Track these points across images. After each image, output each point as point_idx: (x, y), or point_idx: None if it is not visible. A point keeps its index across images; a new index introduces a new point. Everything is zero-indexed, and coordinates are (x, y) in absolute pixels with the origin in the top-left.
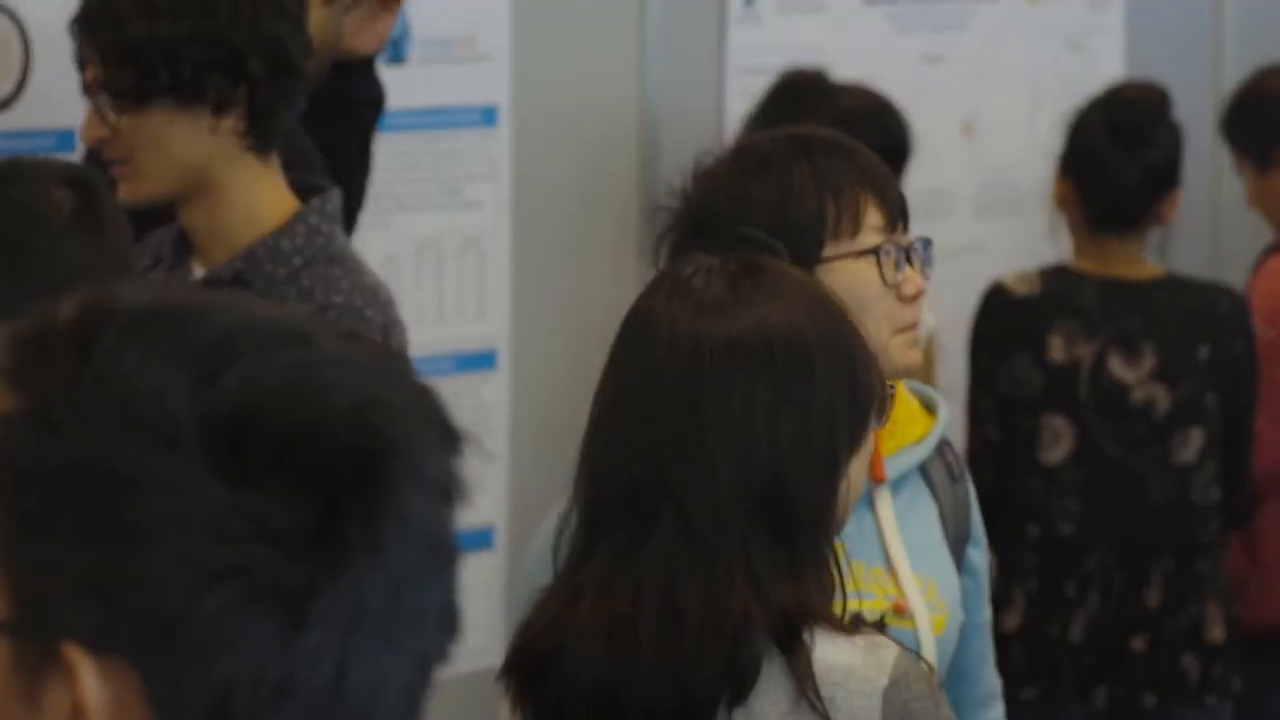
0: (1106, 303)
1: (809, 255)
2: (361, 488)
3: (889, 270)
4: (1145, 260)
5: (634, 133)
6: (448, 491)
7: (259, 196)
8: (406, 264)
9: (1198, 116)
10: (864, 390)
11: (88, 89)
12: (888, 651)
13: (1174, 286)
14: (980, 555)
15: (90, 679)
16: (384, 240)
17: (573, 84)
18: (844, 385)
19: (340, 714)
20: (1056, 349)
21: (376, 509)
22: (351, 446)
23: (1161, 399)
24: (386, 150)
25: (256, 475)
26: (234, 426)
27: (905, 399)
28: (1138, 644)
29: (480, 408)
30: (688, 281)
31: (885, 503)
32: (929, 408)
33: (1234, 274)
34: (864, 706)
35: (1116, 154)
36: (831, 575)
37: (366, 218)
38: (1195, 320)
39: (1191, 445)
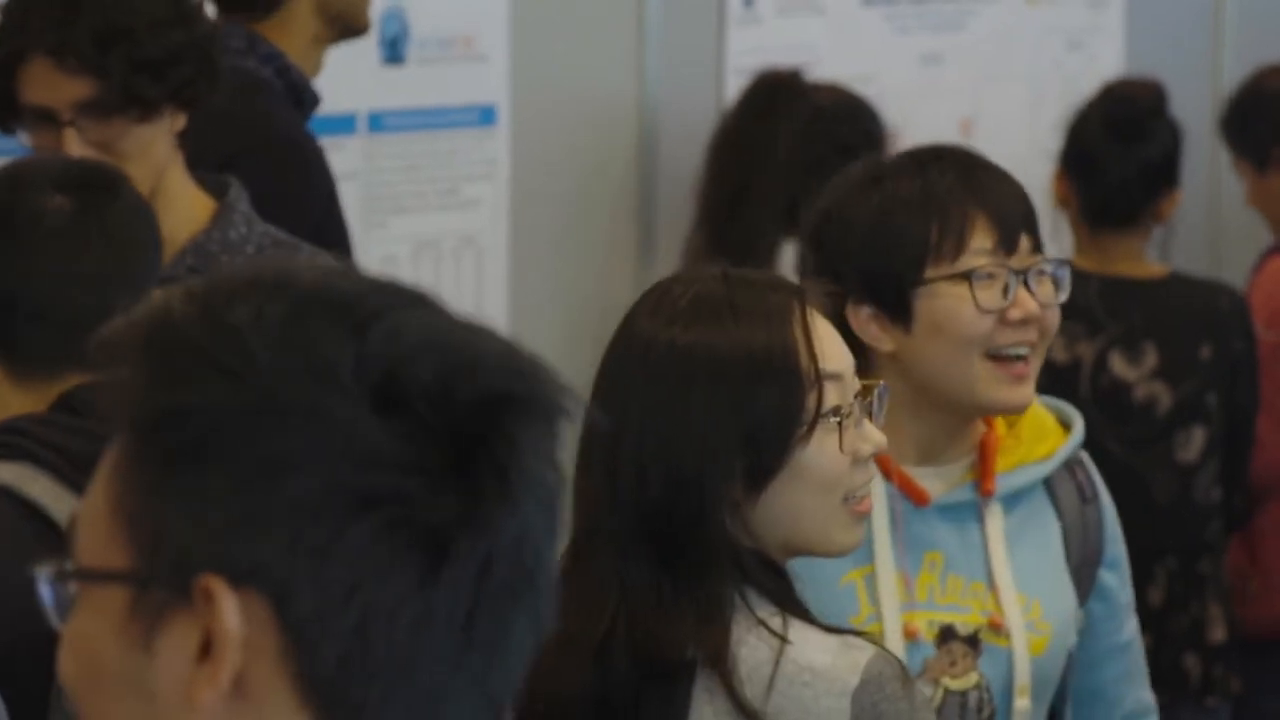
0: (1108, 301)
1: (910, 277)
2: (498, 436)
3: (982, 293)
4: (1146, 259)
5: (633, 133)
6: (559, 461)
7: (189, 194)
8: (404, 264)
9: (1197, 116)
10: (767, 420)
11: (50, 113)
12: (861, 652)
13: (1176, 285)
14: (1116, 577)
15: (230, 609)
16: (382, 240)
17: (571, 84)
18: (733, 413)
19: (466, 659)
20: (1058, 348)
21: (510, 460)
22: (495, 394)
23: (1163, 398)
24: (384, 150)
25: (406, 412)
26: (385, 369)
27: (1037, 415)
28: None
29: None
30: (668, 291)
31: (995, 518)
32: (1066, 425)
33: (1234, 274)
34: (832, 707)
35: (1113, 150)
36: (724, 614)
37: (364, 218)
38: (1197, 319)
39: (1193, 444)
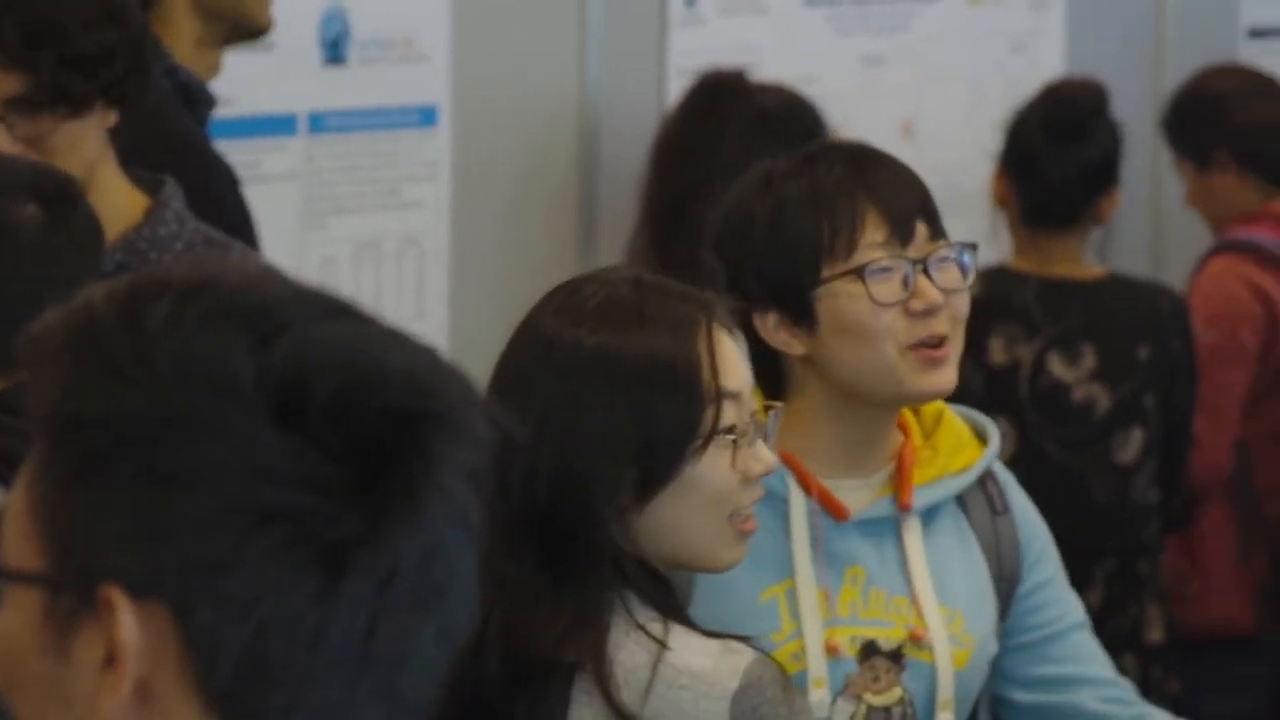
0: (1046, 303)
1: (807, 278)
2: (406, 452)
3: (878, 288)
4: (1085, 260)
5: (574, 134)
6: (477, 473)
7: (120, 190)
8: (345, 265)
9: (1139, 118)
10: (661, 432)
11: None
12: (741, 657)
13: (1114, 286)
14: (1045, 569)
15: (129, 621)
16: (322, 241)
17: (513, 84)
18: (631, 420)
19: (367, 671)
20: (997, 350)
21: (418, 475)
22: (401, 411)
23: (1102, 399)
24: (325, 151)
25: (307, 428)
26: (287, 384)
27: (954, 426)
28: None
29: None
30: (577, 290)
31: (913, 531)
32: (982, 437)
33: (1175, 275)
34: (711, 710)
35: (1052, 150)
36: (603, 617)
37: (305, 219)
38: (1135, 321)
39: (1132, 445)
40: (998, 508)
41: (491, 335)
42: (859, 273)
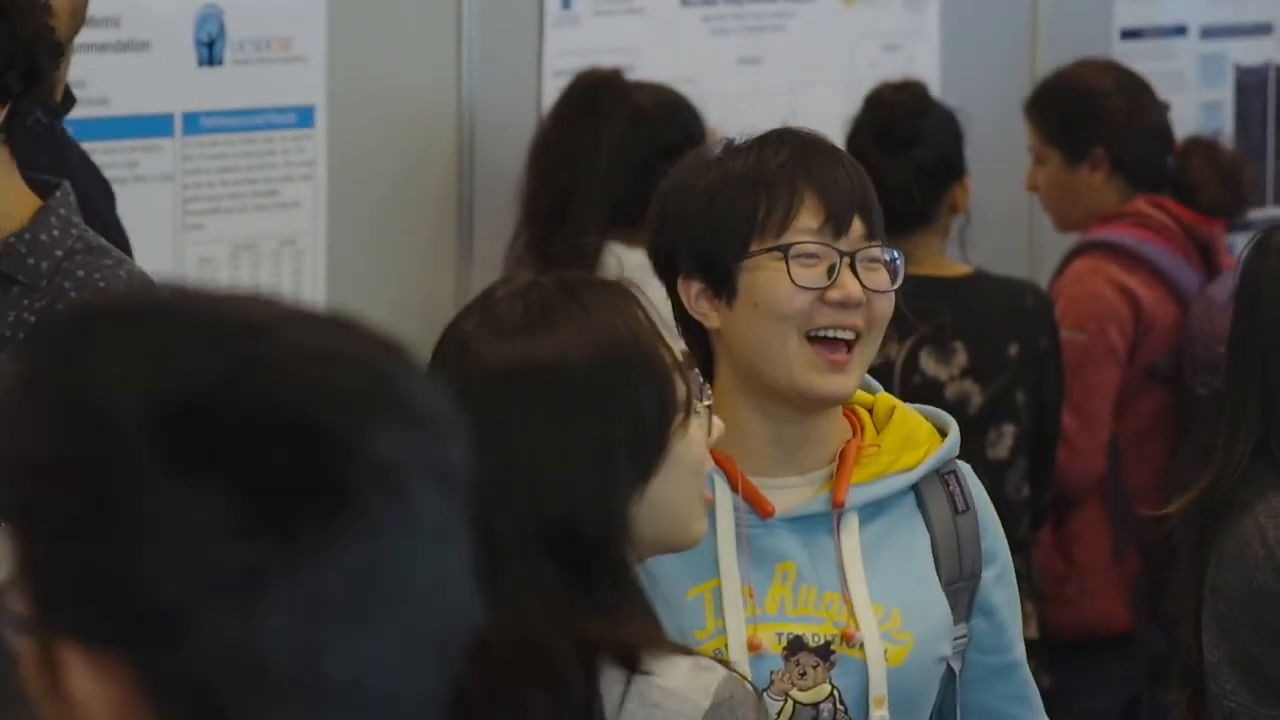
0: (916, 301)
1: (735, 250)
2: (309, 482)
3: (801, 271)
4: (947, 259)
5: (451, 134)
6: (432, 469)
7: (12, 193)
8: (222, 266)
9: (1014, 118)
10: (648, 414)
11: None
12: (713, 675)
13: (981, 284)
14: (1002, 594)
15: (81, 676)
16: (199, 241)
17: (390, 85)
18: (619, 414)
19: (322, 697)
20: None
21: (326, 501)
22: (293, 442)
23: (974, 396)
24: (201, 152)
25: (203, 467)
26: (178, 427)
27: (906, 424)
28: None
29: None
30: (495, 303)
31: (848, 528)
32: (944, 434)
33: (1051, 271)
34: None
35: (885, 159)
36: (646, 600)
37: (181, 219)
38: (1003, 317)
39: (1004, 442)
40: (959, 506)
41: None
42: (784, 250)
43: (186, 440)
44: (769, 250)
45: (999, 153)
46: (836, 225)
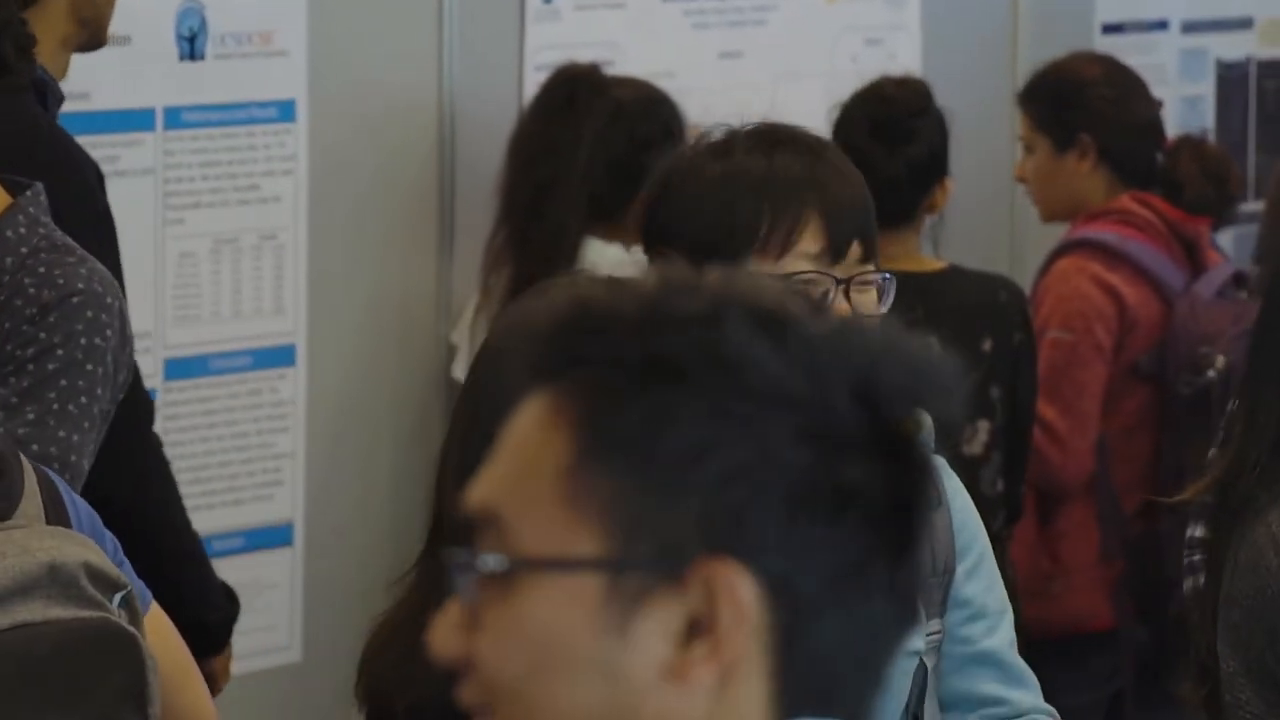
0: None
1: (731, 257)
2: (918, 463)
3: None
4: (922, 254)
5: (432, 128)
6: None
7: None
8: (203, 260)
9: (995, 114)
10: None
11: None
12: None
13: (954, 279)
14: (977, 584)
15: (748, 594)
16: (180, 236)
17: (371, 79)
18: None
19: (897, 628)
20: None
21: (925, 482)
22: (910, 427)
23: None
24: (182, 146)
25: (876, 413)
26: (866, 403)
27: None
28: None
29: (279, 404)
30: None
31: None
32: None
33: (1033, 266)
34: None
35: (879, 152)
36: None
37: (162, 214)
38: (976, 312)
39: (978, 438)
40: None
41: (350, 330)
42: (785, 279)
43: (819, 414)
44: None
45: (979, 147)
46: (835, 252)
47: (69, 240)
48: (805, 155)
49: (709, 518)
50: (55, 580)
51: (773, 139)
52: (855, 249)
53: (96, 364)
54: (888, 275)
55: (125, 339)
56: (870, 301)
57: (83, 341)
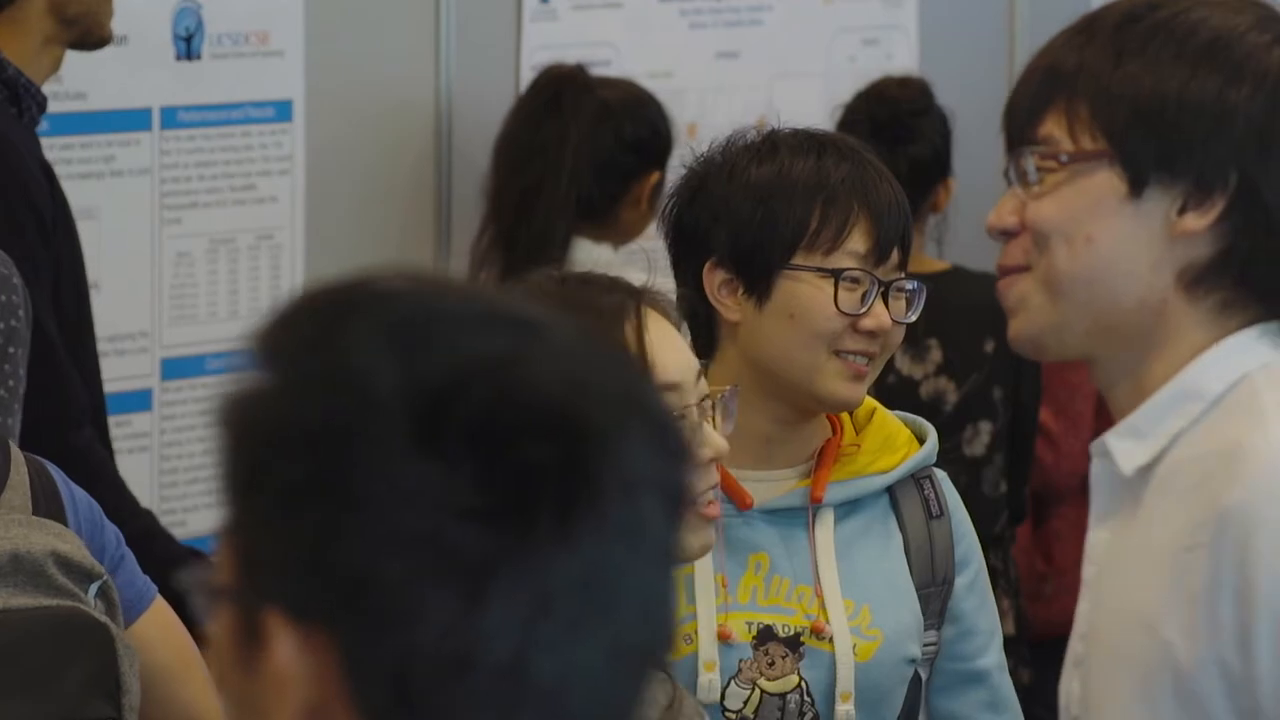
0: None
1: (780, 257)
2: (559, 478)
3: (845, 295)
4: (925, 255)
5: (429, 128)
6: (665, 489)
7: None
8: (200, 260)
9: (992, 113)
10: None
11: None
12: (660, 687)
13: (956, 279)
14: (972, 601)
15: (286, 648)
16: (177, 236)
17: (368, 79)
18: None
19: (523, 697)
20: None
21: (571, 500)
22: (552, 437)
23: (949, 393)
24: (179, 146)
25: (451, 451)
26: (435, 405)
27: (885, 427)
28: None
29: None
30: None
31: (823, 523)
32: (922, 441)
33: None
34: None
35: (881, 152)
36: None
37: (159, 214)
38: (979, 314)
39: (980, 439)
40: (934, 511)
41: None
42: (836, 274)
43: (441, 416)
44: (818, 269)
45: (977, 146)
46: (880, 253)
47: None
48: (850, 158)
49: (277, 558)
50: (19, 569)
51: (817, 142)
52: (895, 255)
53: (17, 346)
54: (919, 285)
55: (29, 320)
56: (901, 309)
57: (0, 325)
